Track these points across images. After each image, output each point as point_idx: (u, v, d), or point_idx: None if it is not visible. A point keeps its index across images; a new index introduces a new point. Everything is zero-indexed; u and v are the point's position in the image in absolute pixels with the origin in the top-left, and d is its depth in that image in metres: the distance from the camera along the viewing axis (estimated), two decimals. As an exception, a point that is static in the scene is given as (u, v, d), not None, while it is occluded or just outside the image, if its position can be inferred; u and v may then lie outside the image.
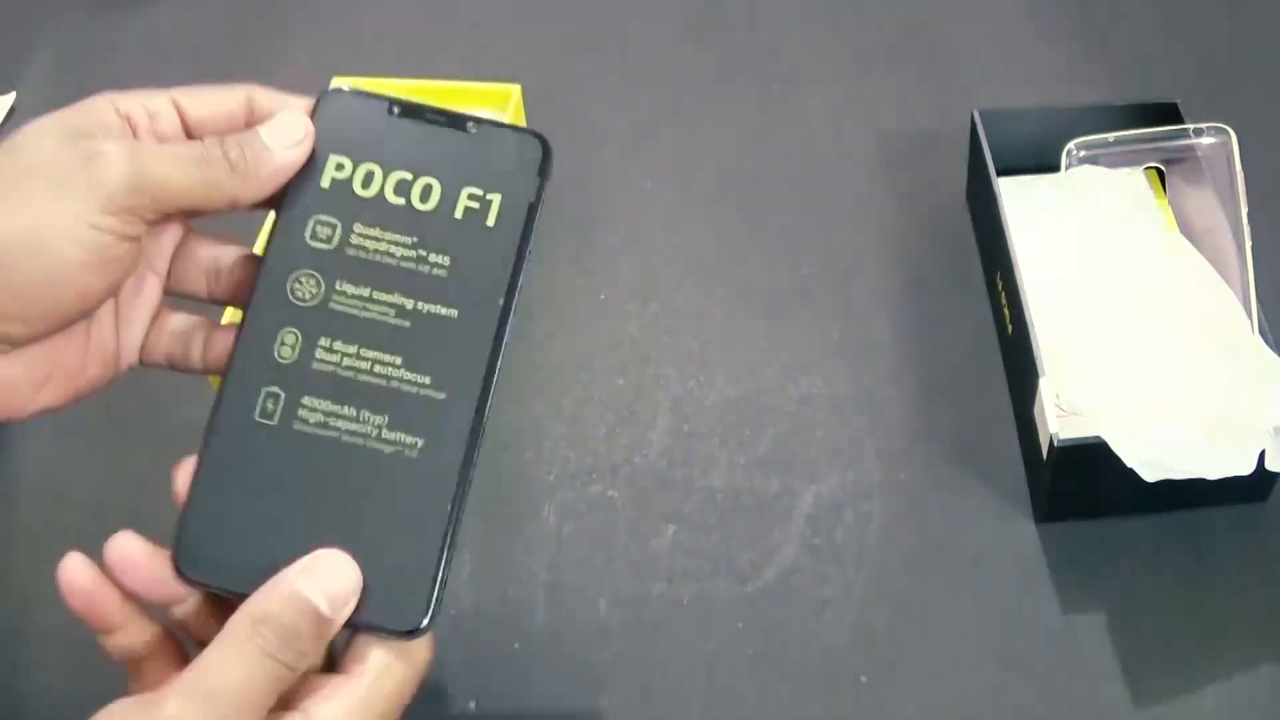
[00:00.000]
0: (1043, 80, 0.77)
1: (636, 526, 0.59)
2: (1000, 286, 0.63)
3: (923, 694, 0.53)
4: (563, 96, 0.78)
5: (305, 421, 0.40)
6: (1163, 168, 0.65)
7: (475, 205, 0.42)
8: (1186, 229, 0.63)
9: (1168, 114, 0.65)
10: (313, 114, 0.43)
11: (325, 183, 0.42)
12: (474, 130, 0.43)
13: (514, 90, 0.70)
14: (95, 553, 0.39)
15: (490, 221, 0.42)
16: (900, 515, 0.59)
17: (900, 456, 0.61)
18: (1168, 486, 0.52)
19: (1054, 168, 0.62)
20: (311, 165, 0.42)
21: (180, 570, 0.39)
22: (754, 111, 0.77)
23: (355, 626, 0.39)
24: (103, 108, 0.40)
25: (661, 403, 0.64)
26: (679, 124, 0.77)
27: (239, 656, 0.36)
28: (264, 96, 0.42)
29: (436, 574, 0.39)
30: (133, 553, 0.39)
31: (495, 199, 0.42)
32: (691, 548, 0.58)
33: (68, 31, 0.86)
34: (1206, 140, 0.61)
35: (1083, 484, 0.56)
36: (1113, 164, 0.62)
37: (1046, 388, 0.55)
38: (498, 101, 0.70)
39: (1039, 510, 0.58)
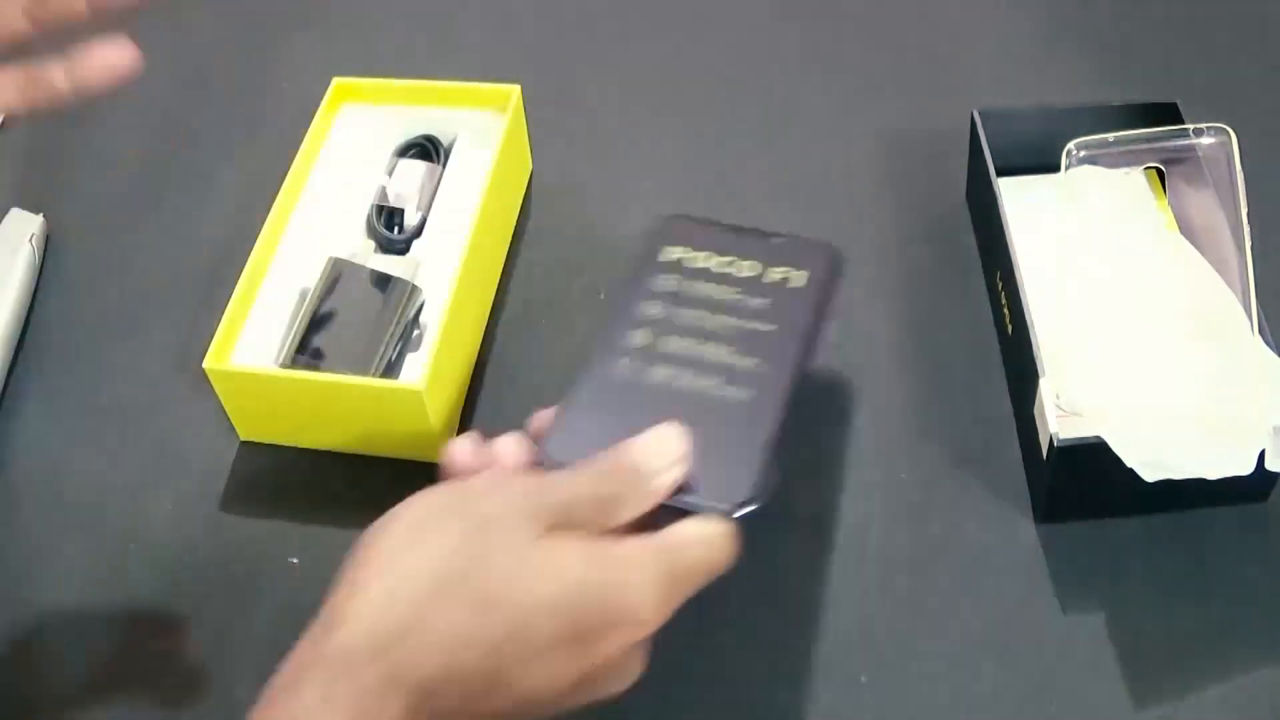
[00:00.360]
0: (1043, 80, 0.77)
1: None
2: (1000, 286, 0.63)
3: (923, 694, 0.53)
4: (563, 97, 0.78)
5: (655, 377, 0.51)
6: (1163, 168, 0.65)
7: (785, 276, 0.54)
8: (1186, 229, 0.63)
9: (1168, 114, 0.65)
10: (650, 233, 0.56)
11: (663, 258, 0.55)
12: (778, 240, 0.56)
13: (514, 91, 0.70)
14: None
15: (798, 284, 0.54)
16: (900, 515, 0.59)
17: (900, 456, 0.61)
18: (1168, 486, 0.52)
19: (1054, 168, 0.62)
20: (650, 252, 0.56)
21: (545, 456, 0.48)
22: (754, 111, 0.77)
23: (687, 506, 0.47)
24: None
25: (661, 403, 0.63)
26: (679, 124, 0.77)
27: (560, 471, 0.43)
28: None
29: (759, 467, 0.48)
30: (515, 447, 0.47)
31: (801, 274, 0.54)
32: (691, 548, 0.58)
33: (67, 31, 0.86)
34: (1206, 140, 0.61)
35: (1083, 484, 0.56)
36: (1113, 164, 0.62)
37: (1046, 388, 0.55)
38: (498, 102, 0.70)
39: (1039, 510, 0.58)
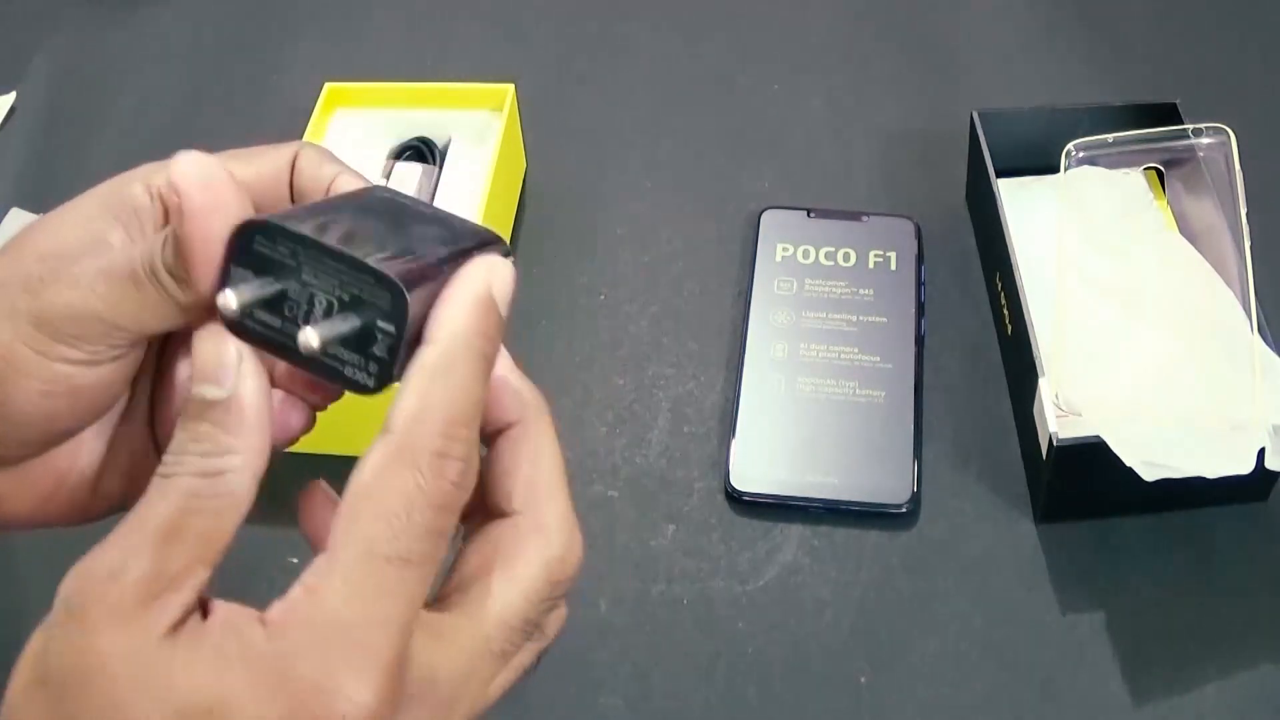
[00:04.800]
0: (1043, 80, 0.77)
1: (636, 526, 0.59)
2: (1000, 286, 0.63)
3: (923, 694, 0.53)
4: (563, 96, 0.78)
5: (802, 390, 0.61)
6: (1162, 168, 0.65)
7: (880, 259, 0.65)
8: (1186, 229, 0.63)
9: (1167, 114, 0.65)
10: (760, 232, 0.67)
11: (778, 258, 0.66)
12: (866, 219, 0.68)
13: (508, 90, 0.70)
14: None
15: (893, 267, 0.65)
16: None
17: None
18: (1168, 486, 0.51)
19: (1054, 168, 0.62)
20: (766, 250, 0.66)
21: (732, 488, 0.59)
22: (754, 111, 0.77)
23: (852, 510, 0.57)
24: (133, 189, 0.34)
25: (661, 403, 0.64)
26: (679, 124, 0.77)
27: (373, 580, 0.28)
28: (308, 157, 0.36)
29: (913, 468, 0.58)
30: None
31: (892, 254, 0.66)
32: (691, 548, 0.58)
33: (68, 31, 0.86)
34: (1206, 141, 0.61)
35: (1083, 484, 0.56)
36: (1112, 165, 0.62)
37: (1046, 388, 0.55)
38: (493, 101, 0.70)
39: (1039, 510, 0.58)
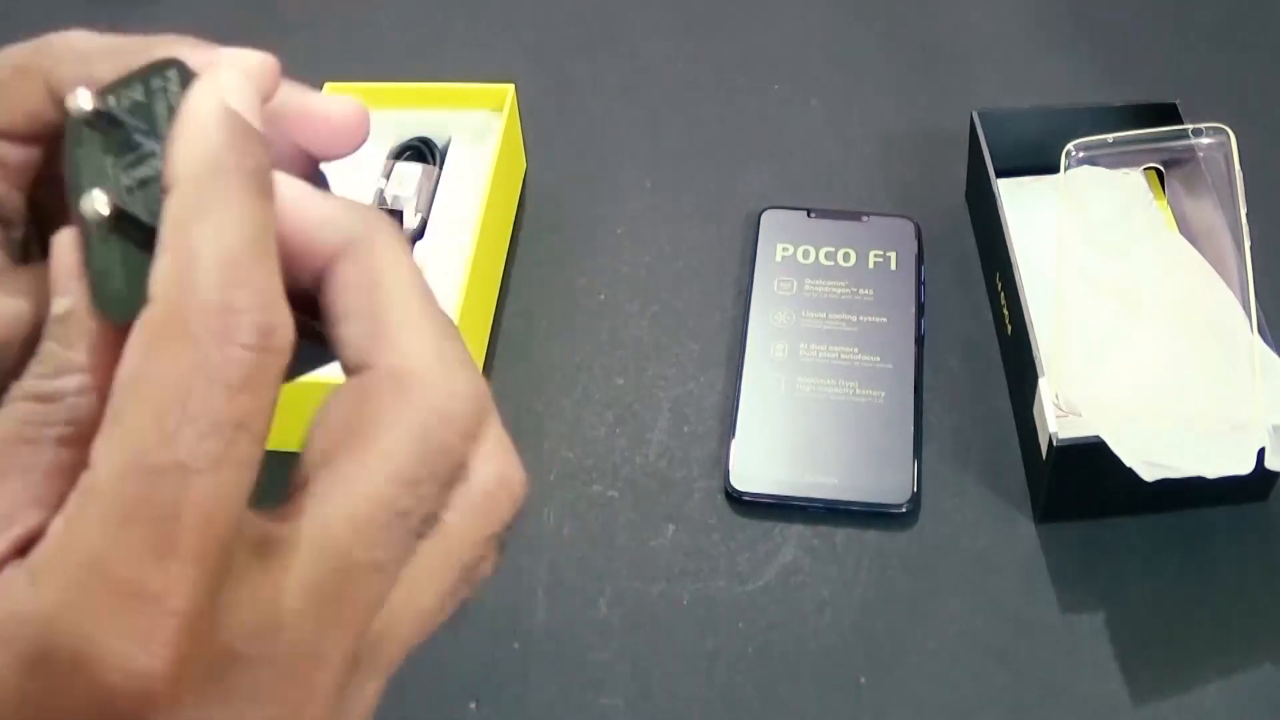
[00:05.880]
0: (1043, 80, 0.77)
1: (636, 526, 0.59)
2: (1000, 286, 0.63)
3: (923, 694, 0.53)
4: (563, 97, 0.78)
5: (801, 390, 0.61)
6: (1162, 168, 0.65)
7: (880, 259, 0.65)
8: (1186, 229, 0.63)
9: (1167, 114, 0.65)
10: (760, 232, 0.67)
11: (778, 258, 0.66)
12: (866, 219, 0.68)
13: (508, 90, 0.70)
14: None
15: (893, 267, 0.65)
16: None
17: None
18: (1167, 486, 0.51)
19: (1054, 168, 0.62)
20: (766, 250, 0.66)
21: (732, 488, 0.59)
22: (754, 111, 0.77)
23: (852, 510, 0.57)
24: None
25: (661, 403, 0.64)
26: (678, 124, 0.77)
27: (143, 501, 0.21)
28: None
29: (913, 468, 0.58)
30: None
31: (892, 254, 0.66)
32: (691, 548, 0.58)
33: (67, 32, 0.86)
34: (1206, 141, 0.61)
35: (1083, 484, 0.56)
36: (1112, 165, 0.62)
37: (1046, 388, 0.55)
38: (493, 102, 0.70)
39: (1039, 510, 0.58)
